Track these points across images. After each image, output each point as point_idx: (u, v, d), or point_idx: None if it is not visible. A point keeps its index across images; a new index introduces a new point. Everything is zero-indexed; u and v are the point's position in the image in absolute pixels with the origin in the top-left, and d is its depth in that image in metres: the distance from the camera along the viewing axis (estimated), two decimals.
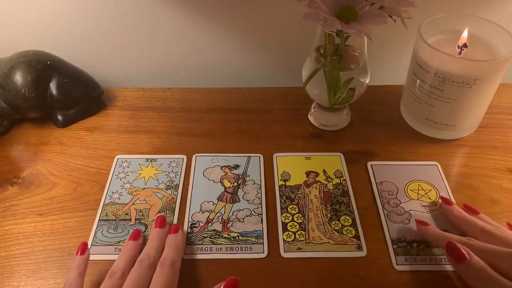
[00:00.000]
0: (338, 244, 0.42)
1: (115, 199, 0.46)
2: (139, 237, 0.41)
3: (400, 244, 0.41)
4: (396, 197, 0.46)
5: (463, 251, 0.35)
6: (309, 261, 0.40)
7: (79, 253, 0.38)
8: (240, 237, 0.42)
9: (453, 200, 0.45)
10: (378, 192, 0.47)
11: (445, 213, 0.43)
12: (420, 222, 0.42)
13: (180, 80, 0.68)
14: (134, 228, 0.43)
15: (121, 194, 0.46)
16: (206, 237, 0.42)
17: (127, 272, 0.37)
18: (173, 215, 0.44)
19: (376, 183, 0.47)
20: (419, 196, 0.46)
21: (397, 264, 0.40)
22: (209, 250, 0.41)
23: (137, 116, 0.57)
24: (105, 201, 0.46)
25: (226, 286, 0.34)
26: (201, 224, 0.44)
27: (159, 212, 0.45)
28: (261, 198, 0.46)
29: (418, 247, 0.41)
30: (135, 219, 0.44)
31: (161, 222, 0.42)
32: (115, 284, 0.36)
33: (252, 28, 0.61)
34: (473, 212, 0.43)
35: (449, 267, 0.39)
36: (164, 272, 0.36)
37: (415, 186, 0.47)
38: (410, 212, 0.44)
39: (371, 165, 0.49)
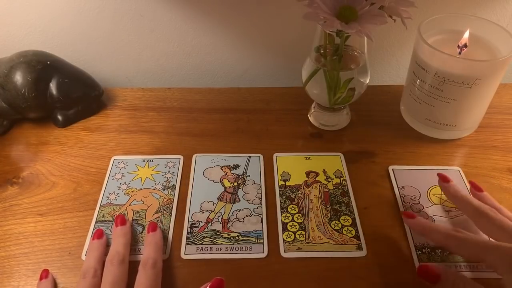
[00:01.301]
0: (338, 244, 0.42)
1: (112, 200, 0.46)
2: (103, 235, 0.41)
3: (424, 251, 0.41)
4: (419, 202, 0.46)
5: (436, 271, 0.35)
6: (309, 261, 0.40)
7: (42, 278, 0.39)
8: (240, 237, 0.42)
9: None
10: (400, 197, 0.46)
11: (442, 190, 0.43)
12: (406, 214, 0.41)
13: (180, 80, 0.68)
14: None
15: (118, 195, 0.46)
16: (206, 237, 0.42)
17: (100, 269, 0.37)
18: (171, 216, 0.44)
19: (398, 187, 0.47)
20: (442, 201, 0.46)
21: None
22: (209, 250, 0.41)
23: (137, 116, 0.57)
24: (101, 202, 0.46)
25: (212, 286, 0.34)
26: (201, 224, 0.44)
27: (156, 212, 0.45)
28: (261, 198, 0.46)
29: (442, 254, 0.41)
30: (132, 220, 0.44)
31: (122, 221, 0.42)
32: (90, 283, 0.36)
33: (252, 28, 0.61)
34: (477, 189, 0.42)
35: (475, 274, 0.39)
36: (147, 273, 0.37)
37: (438, 191, 0.46)
38: (433, 217, 0.44)
39: (392, 169, 0.49)
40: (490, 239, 0.37)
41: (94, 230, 0.43)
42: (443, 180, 0.43)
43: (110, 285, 0.36)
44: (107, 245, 0.41)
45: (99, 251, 0.40)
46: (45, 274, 0.39)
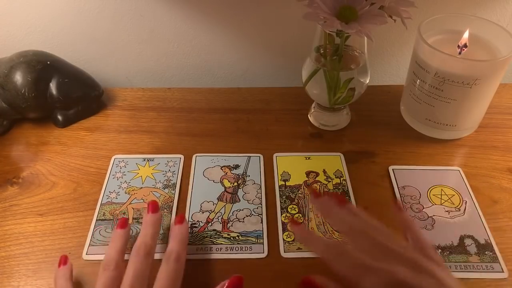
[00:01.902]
0: None
1: (113, 199, 0.46)
2: (127, 225, 0.40)
3: None
4: (419, 202, 0.46)
5: (318, 283, 0.32)
6: (309, 261, 0.40)
7: (61, 265, 0.38)
8: (240, 237, 0.42)
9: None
10: (400, 196, 0.46)
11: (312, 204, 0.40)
12: (292, 221, 0.39)
13: (180, 80, 0.68)
14: (132, 228, 0.43)
15: (118, 193, 0.46)
16: (206, 237, 0.42)
17: (121, 262, 0.36)
18: (171, 214, 0.44)
19: (398, 187, 0.47)
20: (442, 201, 0.46)
21: None
22: (209, 250, 0.41)
23: (137, 116, 0.57)
24: (102, 200, 0.46)
25: (230, 284, 0.34)
26: (201, 224, 0.44)
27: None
28: (261, 198, 0.46)
29: (442, 254, 0.41)
30: (133, 218, 0.44)
31: (154, 208, 0.40)
32: (111, 276, 0.35)
33: (252, 28, 0.61)
34: (315, 196, 0.36)
35: (475, 274, 0.39)
36: (170, 267, 0.35)
37: (438, 191, 0.47)
38: (433, 217, 0.44)
39: (392, 169, 0.49)
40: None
41: (117, 221, 0.40)
42: (314, 196, 0.37)
43: (132, 278, 0.34)
44: (130, 236, 0.40)
45: (122, 241, 0.38)
46: (63, 260, 0.38)
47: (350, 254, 0.31)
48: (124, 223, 0.39)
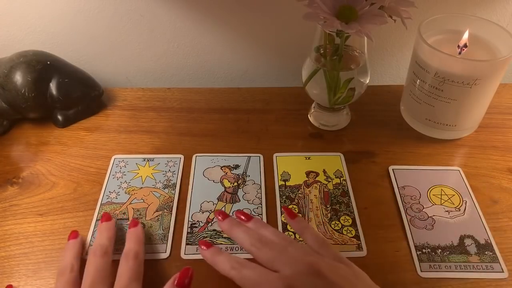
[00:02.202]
0: (338, 244, 0.42)
1: (113, 199, 0.46)
2: (78, 236, 0.41)
3: (424, 251, 0.41)
4: (419, 202, 0.46)
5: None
6: None
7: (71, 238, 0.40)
8: None
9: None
10: (400, 197, 0.46)
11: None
12: (202, 243, 0.39)
13: (180, 80, 0.68)
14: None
15: (118, 193, 0.46)
16: (206, 237, 0.42)
17: (77, 265, 0.37)
18: (171, 214, 0.44)
19: (398, 187, 0.47)
20: (442, 201, 0.46)
21: (421, 271, 0.39)
22: None
23: (137, 116, 0.57)
24: (102, 200, 0.46)
25: (180, 276, 0.35)
26: (201, 224, 0.43)
27: (156, 210, 0.45)
28: (261, 198, 0.46)
29: (442, 254, 0.41)
30: (133, 218, 0.44)
31: (107, 217, 0.42)
32: (69, 278, 0.36)
33: (252, 28, 0.61)
34: (290, 216, 0.41)
35: (475, 275, 0.39)
36: (129, 264, 0.37)
37: (438, 191, 0.47)
38: (433, 217, 0.44)
39: (392, 169, 0.49)
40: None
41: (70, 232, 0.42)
42: (220, 217, 0.41)
43: (92, 275, 0.35)
44: (84, 245, 0.41)
45: (76, 248, 0.39)
46: (74, 234, 0.41)
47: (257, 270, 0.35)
48: (75, 235, 0.41)
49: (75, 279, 0.36)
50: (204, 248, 0.39)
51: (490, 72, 0.46)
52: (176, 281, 0.35)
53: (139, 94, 0.61)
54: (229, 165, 0.50)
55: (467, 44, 0.48)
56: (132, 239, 0.40)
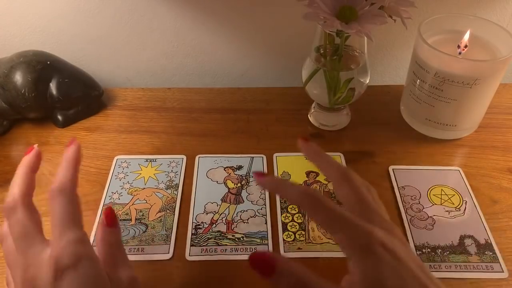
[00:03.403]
0: (338, 244, 0.42)
1: (115, 200, 0.46)
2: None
3: (424, 251, 0.41)
4: (419, 202, 0.46)
5: (271, 261, 0.27)
6: (309, 261, 0.40)
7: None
8: (244, 238, 0.42)
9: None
10: (400, 196, 0.46)
11: (302, 151, 0.36)
12: (256, 175, 0.31)
13: (180, 80, 0.68)
14: (134, 228, 0.43)
15: (121, 194, 0.46)
16: (210, 238, 0.42)
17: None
18: (174, 215, 0.44)
19: (398, 187, 0.47)
20: (442, 201, 0.46)
21: None
22: (213, 251, 0.41)
23: (137, 116, 0.57)
24: (105, 201, 0.46)
25: (105, 216, 0.32)
26: (205, 226, 0.43)
27: (159, 211, 0.45)
28: (265, 199, 0.46)
29: (442, 254, 0.41)
30: (135, 219, 0.44)
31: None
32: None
33: (252, 28, 0.61)
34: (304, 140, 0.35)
35: (475, 274, 0.39)
36: (55, 203, 0.30)
37: (438, 191, 0.47)
38: (433, 217, 0.44)
39: (392, 169, 0.49)
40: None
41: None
42: (303, 141, 0.36)
43: (17, 233, 0.29)
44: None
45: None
46: (72, 141, 0.34)
47: (326, 204, 0.28)
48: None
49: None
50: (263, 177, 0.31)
51: (490, 72, 0.46)
52: (105, 223, 0.32)
53: (139, 94, 0.61)
54: (232, 166, 0.50)
55: (467, 45, 0.48)
56: (62, 165, 0.33)
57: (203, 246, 0.42)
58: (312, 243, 0.42)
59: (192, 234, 0.43)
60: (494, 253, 0.41)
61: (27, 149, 0.35)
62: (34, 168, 0.35)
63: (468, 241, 0.42)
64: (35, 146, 0.35)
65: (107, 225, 0.32)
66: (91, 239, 0.42)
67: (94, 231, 0.43)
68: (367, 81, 0.51)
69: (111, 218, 0.33)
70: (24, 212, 0.31)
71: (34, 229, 0.30)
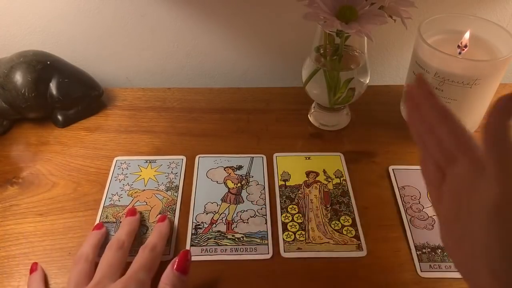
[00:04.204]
0: (338, 244, 0.42)
1: (115, 201, 0.46)
2: (103, 227, 0.42)
3: (424, 251, 0.41)
4: (419, 202, 0.46)
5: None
6: (309, 261, 0.40)
7: (33, 272, 0.39)
8: (244, 238, 0.42)
9: None
10: (400, 196, 0.46)
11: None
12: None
13: (180, 80, 0.68)
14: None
15: (121, 196, 0.46)
16: (210, 238, 0.42)
17: (93, 255, 0.38)
18: (174, 216, 0.44)
19: (398, 187, 0.47)
20: None
21: (421, 271, 0.39)
22: (213, 251, 0.41)
23: (137, 116, 0.57)
24: (105, 203, 0.46)
25: (180, 259, 0.36)
26: (205, 226, 0.43)
27: (159, 213, 0.45)
28: (265, 199, 0.46)
29: (442, 254, 0.41)
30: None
31: (132, 212, 0.43)
32: (83, 268, 0.36)
33: (252, 28, 0.61)
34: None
35: None
36: (144, 254, 0.37)
37: None
38: (433, 217, 0.44)
39: (392, 169, 0.49)
40: None
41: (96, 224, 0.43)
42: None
43: (103, 269, 0.36)
44: (107, 237, 0.42)
45: (97, 238, 0.40)
46: (98, 226, 0.42)
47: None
48: (100, 226, 0.42)
49: (89, 270, 0.36)
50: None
51: (490, 72, 0.46)
52: (175, 266, 0.35)
53: (139, 94, 0.61)
54: (232, 166, 0.50)
55: (467, 44, 0.48)
56: (155, 233, 0.40)
57: (203, 246, 0.42)
58: (312, 243, 0.42)
59: (192, 234, 0.43)
60: None
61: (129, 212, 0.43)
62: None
63: None
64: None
65: (179, 271, 0.36)
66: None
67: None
68: (367, 81, 0.51)
69: (185, 266, 0.36)
70: (120, 254, 0.38)
71: (119, 269, 0.37)
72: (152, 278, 0.36)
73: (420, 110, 0.30)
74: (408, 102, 0.32)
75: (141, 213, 0.44)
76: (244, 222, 0.44)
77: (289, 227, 0.43)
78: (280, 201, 0.46)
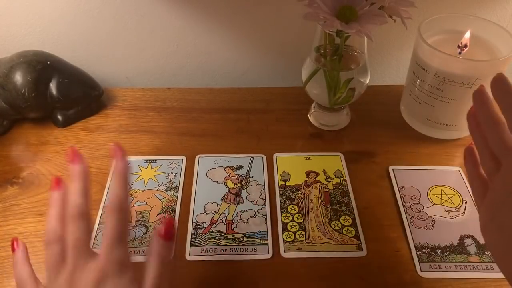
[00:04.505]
0: (338, 244, 0.42)
1: None
2: (61, 183, 0.34)
3: (424, 251, 0.41)
4: (419, 202, 0.46)
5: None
6: (309, 261, 0.40)
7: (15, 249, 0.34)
8: (244, 238, 0.42)
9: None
10: (400, 196, 0.46)
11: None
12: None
13: (180, 80, 0.68)
14: (135, 230, 0.43)
15: None
16: (210, 238, 0.42)
17: (60, 229, 0.32)
18: (174, 216, 0.44)
19: (398, 187, 0.47)
20: (442, 201, 0.46)
21: (421, 271, 0.39)
22: (213, 251, 0.41)
23: (137, 116, 0.57)
24: (105, 203, 0.46)
25: (166, 226, 0.31)
26: (205, 225, 0.43)
27: (159, 213, 0.45)
28: (265, 199, 0.46)
29: (442, 254, 0.41)
30: (136, 221, 0.44)
31: (75, 157, 0.35)
32: (54, 250, 0.31)
33: (252, 28, 0.61)
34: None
35: (475, 274, 0.39)
36: (112, 222, 0.30)
37: (438, 191, 0.47)
38: (433, 217, 0.44)
39: (392, 169, 0.49)
40: None
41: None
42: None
43: (73, 248, 0.30)
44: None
45: (59, 206, 0.33)
46: (16, 244, 0.35)
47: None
48: (58, 181, 0.34)
49: (61, 249, 0.31)
50: None
51: (490, 72, 0.45)
52: (161, 233, 0.31)
53: (139, 94, 0.61)
54: (232, 166, 0.50)
55: (467, 44, 0.48)
56: (115, 181, 0.32)
57: (203, 246, 0.42)
58: (312, 243, 0.42)
59: (192, 234, 0.43)
60: None
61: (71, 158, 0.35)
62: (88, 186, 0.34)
63: (468, 241, 0.42)
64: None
65: (163, 238, 0.31)
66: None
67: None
68: (367, 81, 0.51)
69: (169, 232, 0.31)
70: (83, 224, 0.32)
71: (87, 241, 0.31)
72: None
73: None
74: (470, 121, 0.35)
75: (85, 159, 0.35)
76: (244, 222, 0.44)
77: (289, 227, 0.43)
78: (280, 201, 0.46)
